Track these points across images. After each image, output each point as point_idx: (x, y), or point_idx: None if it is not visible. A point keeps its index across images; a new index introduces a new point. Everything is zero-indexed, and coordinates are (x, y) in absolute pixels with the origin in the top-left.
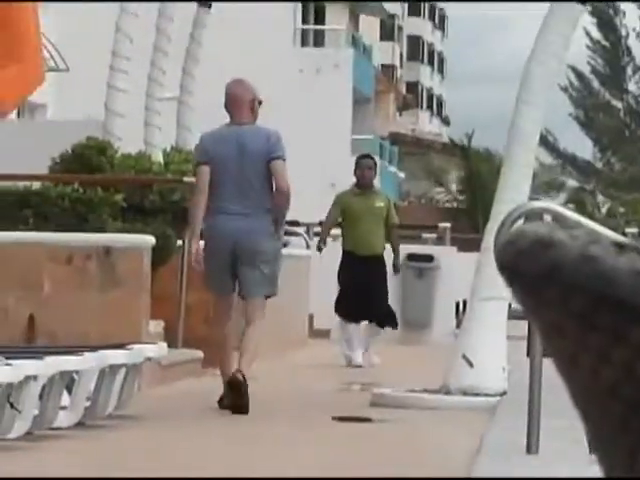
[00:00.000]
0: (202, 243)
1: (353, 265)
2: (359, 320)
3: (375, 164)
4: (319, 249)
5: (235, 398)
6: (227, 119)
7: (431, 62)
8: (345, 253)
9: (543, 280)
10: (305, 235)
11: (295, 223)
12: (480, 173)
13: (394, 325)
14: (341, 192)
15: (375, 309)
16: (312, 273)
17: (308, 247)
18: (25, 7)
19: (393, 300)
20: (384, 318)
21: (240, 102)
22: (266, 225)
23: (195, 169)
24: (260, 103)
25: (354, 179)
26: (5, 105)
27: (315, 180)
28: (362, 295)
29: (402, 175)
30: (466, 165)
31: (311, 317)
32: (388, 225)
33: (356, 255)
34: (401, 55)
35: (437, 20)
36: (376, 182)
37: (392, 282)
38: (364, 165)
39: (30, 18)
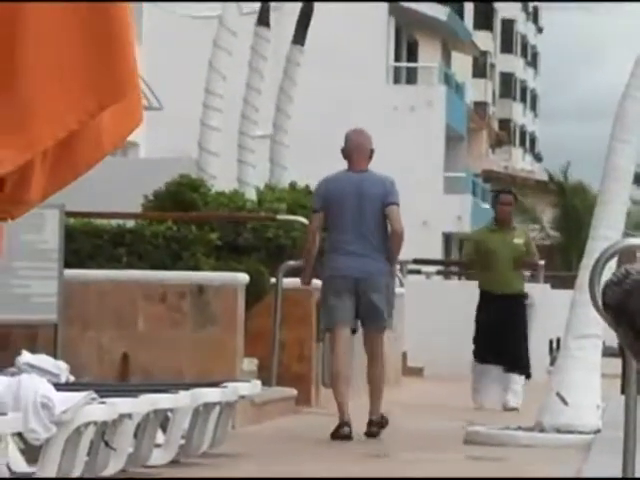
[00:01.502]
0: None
1: (491, 305)
2: (493, 362)
3: (515, 199)
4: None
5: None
6: (320, 157)
7: (523, 99)
8: (482, 292)
9: None
10: (399, 273)
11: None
12: (575, 208)
13: (524, 372)
14: (477, 230)
15: (509, 352)
16: (407, 311)
17: (402, 285)
18: (128, 43)
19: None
20: (515, 363)
21: (362, 151)
22: (383, 264)
23: (310, 214)
24: (372, 152)
25: (492, 214)
26: (104, 146)
27: (407, 217)
28: (499, 336)
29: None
30: (560, 201)
31: (404, 355)
32: (529, 259)
33: (493, 294)
34: (493, 92)
35: (529, 57)
36: (467, 219)
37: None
38: (503, 200)
39: (131, 53)
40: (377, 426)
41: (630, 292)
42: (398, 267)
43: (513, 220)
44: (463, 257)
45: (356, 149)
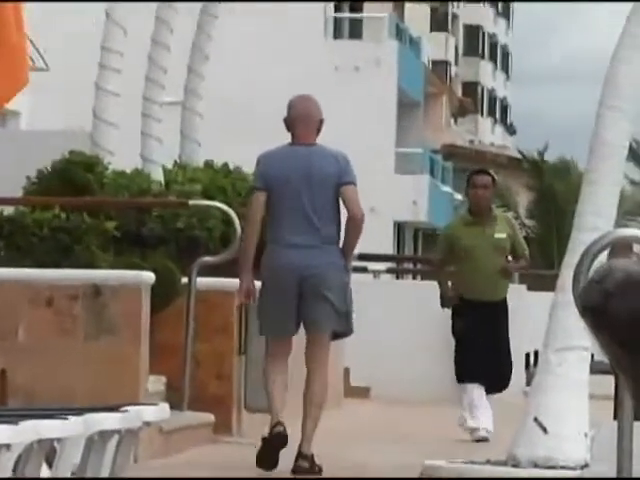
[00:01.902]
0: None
1: (470, 315)
2: (482, 380)
3: (494, 181)
4: (445, 306)
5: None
6: (242, 128)
7: (493, 58)
8: (459, 300)
9: (636, 326)
10: None
11: None
12: (555, 193)
13: (504, 386)
14: (450, 222)
15: (493, 372)
16: None
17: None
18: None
19: (446, 351)
20: (497, 384)
21: (309, 121)
22: (335, 257)
23: (249, 195)
24: (322, 122)
25: (466, 203)
26: None
27: None
28: (485, 350)
29: (458, 197)
30: (537, 183)
31: (347, 372)
32: (515, 255)
33: (472, 301)
34: (456, 49)
35: (500, 7)
36: (423, 205)
37: (445, 330)
38: (478, 183)
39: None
40: (309, 462)
41: (611, 293)
42: None
43: (492, 208)
44: (435, 257)
45: (302, 119)
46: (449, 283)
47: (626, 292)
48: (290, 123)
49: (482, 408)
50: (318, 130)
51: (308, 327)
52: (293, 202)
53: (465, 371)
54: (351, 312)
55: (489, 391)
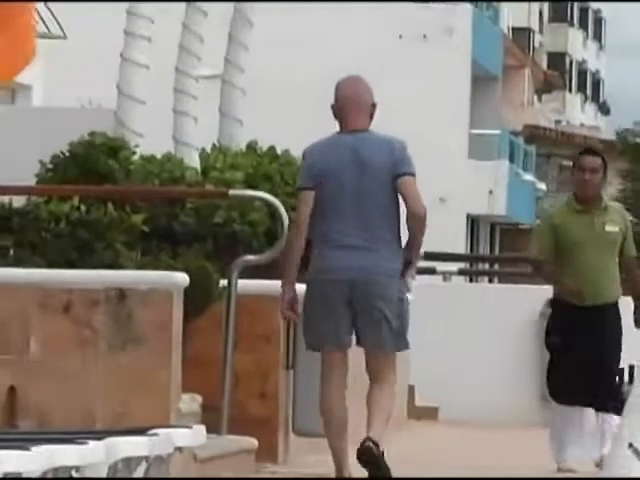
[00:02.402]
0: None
1: (571, 321)
2: (582, 403)
3: (605, 164)
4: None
5: (371, 472)
6: (290, 107)
7: (584, 24)
8: (557, 303)
9: None
10: None
11: None
12: None
13: (619, 409)
14: (552, 211)
15: (603, 386)
16: (414, 326)
17: (408, 291)
18: None
19: (529, 364)
20: (608, 398)
21: (359, 106)
22: (392, 261)
23: (297, 194)
24: (374, 107)
25: (571, 189)
26: None
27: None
28: (586, 366)
29: (542, 186)
30: (636, 170)
31: (412, 390)
32: (624, 258)
33: (576, 306)
34: (541, 15)
35: None
36: (501, 195)
37: (529, 342)
38: (587, 166)
39: None
40: (375, 445)
41: None
42: None
43: (603, 196)
44: (535, 252)
45: (352, 103)
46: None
47: None
48: (338, 109)
49: (576, 434)
50: (371, 116)
51: (367, 343)
52: (343, 198)
53: (558, 390)
54: (406, 326)
55: (602, 408)
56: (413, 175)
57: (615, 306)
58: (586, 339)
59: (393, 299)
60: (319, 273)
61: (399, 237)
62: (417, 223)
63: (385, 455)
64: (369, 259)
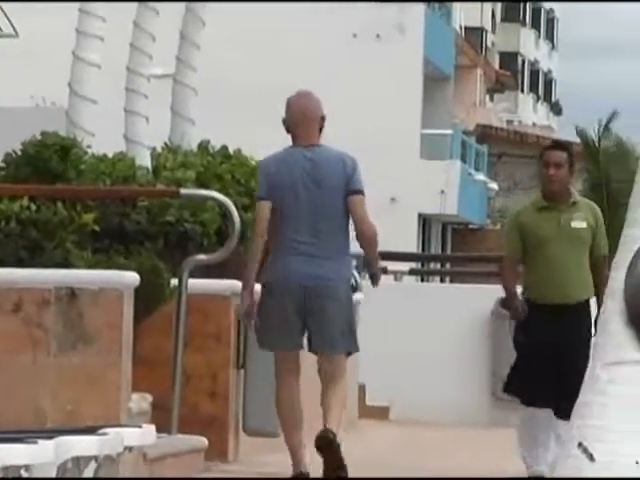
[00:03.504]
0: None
1: (538, 320)
2: (547, 404)
3: (572, 158)
4: (515, 318)
5: (328, 459)
6: (242, 105)
7: (536, 24)
8: (526, 302)
9: None
10: (354, 271)
11: None
12: (611, 181)
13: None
14: (519, 208)
15: (568, 390)
16: (364, 326)
17: (357, 288)
18: None
19: (480, 363)
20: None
21: (309, 121)
22: (343, 269)
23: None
24: (324, 120)
25: (538, 186)
26: None
27: (370, 192)
28: (551, 367)
29: (494, 186)
30: (591, 171)
31: (362, 390)
32: (594, 256)
33: (543, 305)
34: (493, 15)
35: None
36: (453, 195)
37: (480, 341)
38: (551, 160)
39: None
40: (332, 435)
41: None
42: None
43: (571, 191)
44: (506, 250)
45: (302, 118)
46: (518, 287)
47: None
48: (290, 125)
49: (544, 438)
50: (320, 128)
51: (319, 345)
52: (297, 209)
53: (524, 391)
54: (355, 330)
55: (563, 415)
56: (362, 193)
57: (584, 305)
58: (552, 339)
59: (343, 304)
60: (275, 278)
61: (349, 244)
62: (366, 242)
63: (342, 448)
64: (321, 266)
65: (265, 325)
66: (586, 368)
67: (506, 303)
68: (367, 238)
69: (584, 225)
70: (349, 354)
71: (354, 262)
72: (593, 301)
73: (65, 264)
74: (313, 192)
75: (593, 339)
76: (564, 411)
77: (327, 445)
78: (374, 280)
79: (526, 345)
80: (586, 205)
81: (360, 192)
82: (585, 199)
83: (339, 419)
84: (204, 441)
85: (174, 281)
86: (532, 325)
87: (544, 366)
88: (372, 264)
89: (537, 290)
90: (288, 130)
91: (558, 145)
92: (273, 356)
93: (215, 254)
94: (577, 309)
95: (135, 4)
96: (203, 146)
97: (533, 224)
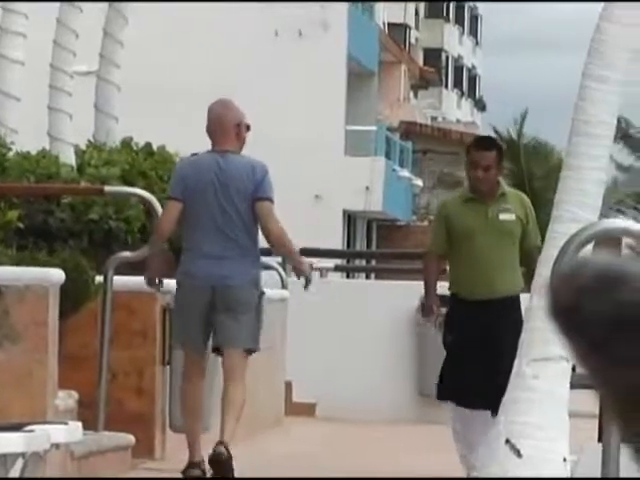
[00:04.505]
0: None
1: (463, 317)
2: (476, 405)
3: (500, 154)
4: (426, 317)
5: (217, 473)
6: (167, 105)
7: (460, 20)
8: (453, 298)
9: (613, 329)
10: (279, 268)
11: (266, 251)
12: (532, 177)
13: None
14: (445, 200)
15: (495, 387)
16: (291, 323)
17: (284, 286)
18: None
19: (406, 360)
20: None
21: (224, 129)
22: (249, 268)
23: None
24: (248, 128)
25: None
26: None
27: (294, 190)
28: (476, 365)
29: (419, 182)
30: (515, 168)
31: (289, 386)
32: (525, 248)
33: (469, 300)
34: (417, 11)
35: None
36: (378, 192)
37: (406, 338)
38: (480, 163)
39: None
40: (226, 449)
41: (584, 290)
42: (278, 260)
43: (500, 184)
44: (428, 242)
45: (217, 124)
46: (437, 285)
47: (605, 288)
48: (208, 131)
49: (478, 437)
50: (238, 135)
51: (222, 341)
52: (207, 211)
53: (453, 392)
54: (259, 330)
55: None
56: (270, 200)
57: (512, 300)
58: (478, 336)
59: (249, 303)
60: (185, 278)
61: (256, 247)
62: (273, 241)
63: (233, 457)
64: (227, 267)
65: (176, 325)
66: (511, 365)
67: (423, 306)
68: (274, 237)
69: (513, 217)
70: (250, 352)
71: (277, 260)
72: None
73: None
74: (221, 196)
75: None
76: (495, 408)
77: (220, 463)
78: (305, 283)
79: (452, 344)
80: (515, 196)
81: (267, 199)
82: (514, 190)
83: (236, 423)
84: (131, 438)
85: (99, 278)
86: (458, 322)
87: (472, 364)
88: (294, 265)
89: (462, 285)
90: (209, 135)
91: (486, 144)
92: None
93: (139, 251)
94: (504, 304)
95: (56, 2)
96: (127, 143)
97: (459, 216)
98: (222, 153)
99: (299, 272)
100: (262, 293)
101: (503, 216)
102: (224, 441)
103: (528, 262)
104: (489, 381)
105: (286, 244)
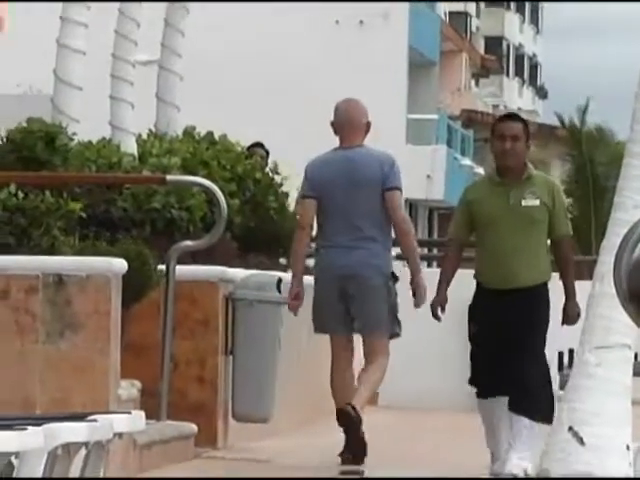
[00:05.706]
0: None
1: (488, 305)
2: (497, 393)
3: (527, 130)
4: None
5: (347, 436)
6: (228, 92)
7: (521, 8)
8: (477, 287)
9: None
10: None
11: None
12: (594, 166)
13: (549, 414)
14: (470, 185)
15: (519, 378)
16: None
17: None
18: None
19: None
20: (532, 399)
21: (353, 126)
22: (379, 258)
23: (300, 201)
24: (369, 125)
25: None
26: None
27: None
28: (499, 356)
29: (480, 170)
30: (577, 155)
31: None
32: (553, 237)
33: (492, 290)
34: None
35: None
36: (439, 180)
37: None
38: (506, 133)
39: None
40: (354, 410)
41: None
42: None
43: (527, 165)
44: (449, 230)
45: (349, 124)
46: (452, 275)
47: None
48: (336, 128)
49: (503, 429)
50: (366, 132)
51: (361, 329)
52: (339, 206)
53: (478, 382)
54: (395, 313)
55: (517, 409)
56: (400, 189)
57: (535, 290)
58: (500, 326)
59: (381, 289)
60: (320, 270)
61: (386, 238)
62: (403, 235)
63: (362, 422)
64: (358, 256)
65: (317, 313)
66: (537, 357)
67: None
68: (401, 231)
69: (536, 203)
70: (391, 337)
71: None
72: (553, 285)
73: (52, 251)
74: (352, 190)
75: (552, 325)
76: (514, 404)
77: (346, 419)
78: (417, 301)
79: (475, 335)
80: (542, 180)
81: (396, 188)
82: (542, 173)
83: (365, 400)
84: (193, 427)
85: (161, 268)
86: (481, 311)
87: (492, 356)
88: (408, 254)
89: (484, 274)
90: (336, 132)
91: (513, 116)
92: (261, 342)
93: (202, 240)
94: (528, 294)
95: None
96: (189, 132)
97: (482, 202)
98: (352, 148)
99: (416, 287)
100: (396, 279)
101: (526, 202)
102: (354, 405)
103: (556, 252)
104: (510, 373)
105: (410, 242)
